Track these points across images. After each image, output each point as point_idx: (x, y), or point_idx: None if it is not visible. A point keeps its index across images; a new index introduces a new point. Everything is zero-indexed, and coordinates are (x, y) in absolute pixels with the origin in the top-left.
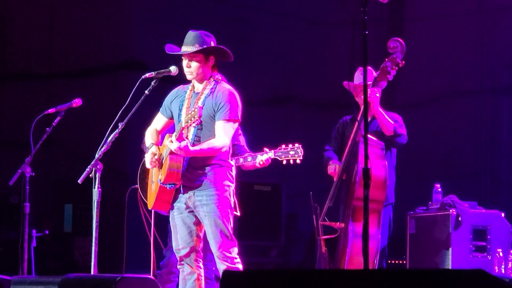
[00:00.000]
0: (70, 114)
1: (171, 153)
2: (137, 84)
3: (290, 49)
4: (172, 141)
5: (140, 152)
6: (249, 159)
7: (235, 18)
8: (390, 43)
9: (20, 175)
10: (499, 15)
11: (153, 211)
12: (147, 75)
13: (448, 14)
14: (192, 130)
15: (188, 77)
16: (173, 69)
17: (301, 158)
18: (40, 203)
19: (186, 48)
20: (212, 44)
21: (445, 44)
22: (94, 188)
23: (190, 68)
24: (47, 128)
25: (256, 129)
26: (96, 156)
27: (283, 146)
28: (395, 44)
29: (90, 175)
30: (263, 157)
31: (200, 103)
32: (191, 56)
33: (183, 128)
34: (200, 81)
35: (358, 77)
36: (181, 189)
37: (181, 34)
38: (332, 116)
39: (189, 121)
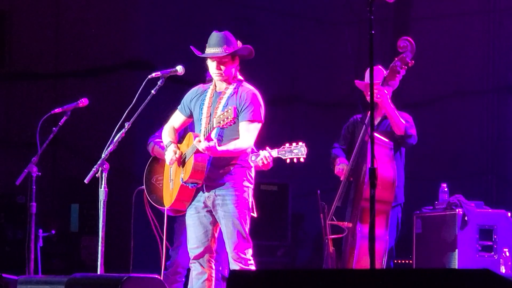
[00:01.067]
0: (77, 113)
1: (197, 152)
2: (143, 84)
3: (296, 49)
4: (200, 141)
5: (147, 152)
6: (253, 158)
7: (241, 18)
8: (400, 42)
9: (26, 175)
10: (505, 15)
11: (165, 212)
12: (153, 74)
13: (454, 14)
14: (215, 129)
15: (217, 78)
16: (180, 68)
17: (305, 156)
18: (46, 203)
19: (214, 50)
20: (239, 44)
21: (451, 44)
22: (101, 187)
23: (221, 70)
24: (54, 128)
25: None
26: (103, 156)
27: (287, 144)
28: (405, 44)
29: (97, 175)
30: (265, 153)
31: (223, 103)
32: (221, 57)
33: (213, 128)
34: (225, 80)
35: (368, 76)
36: (204, 188)
37: (187, 34)
38: (339, 116)
39: (222, 121)
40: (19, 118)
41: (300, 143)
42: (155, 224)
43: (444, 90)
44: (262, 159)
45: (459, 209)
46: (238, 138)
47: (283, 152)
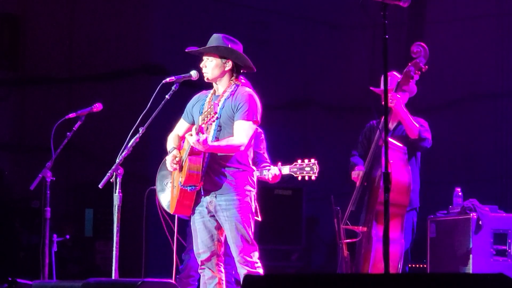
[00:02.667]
0: (91, 118)
1: (190, 154)
2: (157, 89)
3: (311, 53)
4: (191, 135)
5: (161, 157)
6: (264, 172)
7: (255, 22)
8: (414, 47)
9: (41, 180)
10: None
11: (176, 215)
12: (167, 79)
13: (468, 17)
14: (211, 132)
15: (205, 77)
16: (194, 73)
17: (316, 175)
18: (61, 208)
19: (200, 48)
20: (230, 46)
21: (466, 47)
22: (115, 192)
23: (206, 68)
24: (68, 133)
25: (277, 133)
26: (117, 160)
27: (299, 161)
28: (418, 49)
29: (111, 180)
30: (275, 171)
31: (220, 105)
32: (208, 55)
33: (201, 125)
34: (220, 83)
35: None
36: (202, 191)
37: (201, 38)
38: (352, 120)
39: (206, 118)
40: (33, 123)
41: (312, 161)
42: (168, 224)
43: (459, 93)
44: (272, 175)
45: (473, 213)
46: None
47: (295, 169)
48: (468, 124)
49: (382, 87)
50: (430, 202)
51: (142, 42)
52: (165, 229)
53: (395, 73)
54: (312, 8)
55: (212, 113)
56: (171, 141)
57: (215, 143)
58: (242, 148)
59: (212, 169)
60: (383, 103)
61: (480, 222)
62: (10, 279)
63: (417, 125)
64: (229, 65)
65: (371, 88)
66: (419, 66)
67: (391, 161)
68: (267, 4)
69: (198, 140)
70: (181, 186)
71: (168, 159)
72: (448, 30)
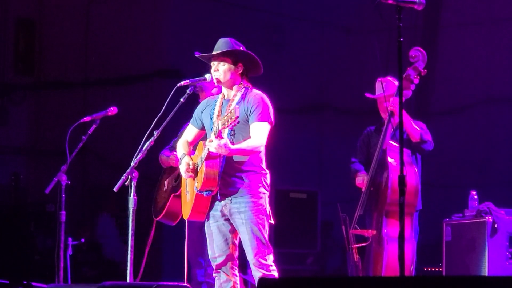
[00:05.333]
0: (106, 122)
1: (207, 158)
2: (172, 92)
3: (325, 57)
4: (211, 140)
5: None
6: None
7: (270, 26)
8: (412, 52)
9: (56, 184)
10: None
11: (186, 221)
12: (182, 83)
13: (483, 21)
14: (225, 137)
15: (217, 82)
16: (208, 77)
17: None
18: (76, 212)
19: (214, 52)
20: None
21: (480, 51)
22: (130, 196)
23: (218, 72)
24: (83, 137)
25: (292, 137)
26: (132, 164)
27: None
28: (416, 53)
29: (126, 183)
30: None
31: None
32: (219, 59)
33: (220, 130)
34: (230, 87)
35: (378, 89)
36: (218, 196)
37: (216, 42)
38: (367, 123)
39: (227, 122)
40: (49, 126)
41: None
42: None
43: (474, 97)
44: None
45: (489, 217)
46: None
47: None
48: (483, 127)
49: (377, 93)
50: (445, 206)
51: (157, 46)
52: (151, 238)
53: (389, 78)
54: (327, 12)
55: (233, 117)
56: (181, 147)
57: (237, 146)
58: (262, 148)
59: (227, 173)
60: (379, 109)
61: (496, 226)
62: (25, 282)
63: (418, 128)
64: (240, 68)
65: (366, 94)
66: (419, 70)
67: (395, 164)
68: (282, 9)
69: (219, 145)
70: (197, 191)
71: (182, 166)
72: (463, 33)
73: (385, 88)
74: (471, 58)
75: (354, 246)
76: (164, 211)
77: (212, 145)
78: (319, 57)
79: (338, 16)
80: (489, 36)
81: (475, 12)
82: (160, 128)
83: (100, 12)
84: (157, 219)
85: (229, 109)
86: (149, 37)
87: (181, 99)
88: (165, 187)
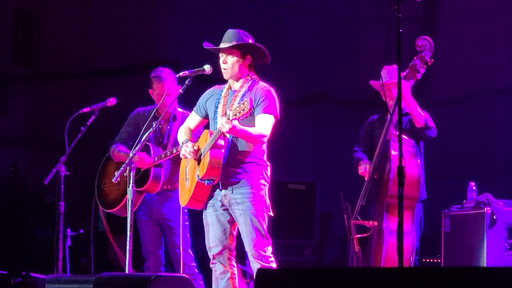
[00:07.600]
0: (105, 113)
1: (213, 147)
2: (171, 83)
3: (324, 47)
4: (227, 120)
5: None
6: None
7: (269, 17)
8: (419, 41)
9: (54, 174)
10: None
11: (181, 209)
12: (181, 73)
13: (482, 12)
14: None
15: (225, 75)
16: (207, 68)
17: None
18: (74, 202)
19: (223, 45)
20: (250, 42)
21: (480, 42)
22: (129, 187)
23: (226, 64)
24: (82, 127)
25: (291, 128)
26: (131, 155)
27: None
28: (423, 43)
29: (125, 174)
30: None
31: (238, 100)
32: (228, 52)
33: (233, 120)
34: (237, 79)
35: (385, 76)
36: (220, 185)
37: (215, 33)
38: (367, 115)
39: (238, 113)
40: (47, 117)
41: None
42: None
43: (473, 88)
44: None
45: (488, 208)
46: None
47: None
48: (482, 118)
49: (384, 80)
50: (444, 197)
51: (156, 37)
52: (108, 232)
53: (395, 67)
54: (326, 3)
55: (246, 109)
56: (182, 133)
57: (243, 127)
58: (265, 139)
59: (230, 163)
60: (383, 97)
61: (494, 217)
62: (24, 273)
63: (423, 113)
64: (248, 60)
65: (370, 82)
66: (425, 59)
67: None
68: None
69: (227, 120)
70: (198, 179)
71: (187, 148)
72: (462, 25)
73: (393, 75)
74: (470, 49)
75: (355, 236)
76: (121, 205)
77: (222, 120)
78: (318, 48)
79: (337, 7)
80: (488, 27)
81: (474, 4)
82: (159, 119)
83: (99, 2)
84: (110, 211)
85: (235, 100)
86: (148, 28)
87: (180, 90)
88: (117, 178)
